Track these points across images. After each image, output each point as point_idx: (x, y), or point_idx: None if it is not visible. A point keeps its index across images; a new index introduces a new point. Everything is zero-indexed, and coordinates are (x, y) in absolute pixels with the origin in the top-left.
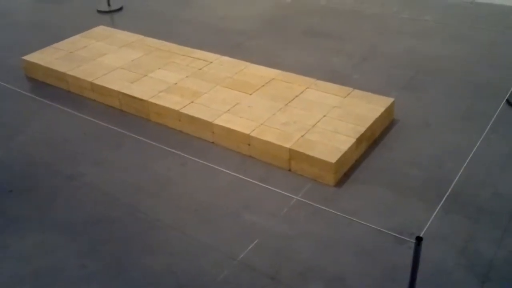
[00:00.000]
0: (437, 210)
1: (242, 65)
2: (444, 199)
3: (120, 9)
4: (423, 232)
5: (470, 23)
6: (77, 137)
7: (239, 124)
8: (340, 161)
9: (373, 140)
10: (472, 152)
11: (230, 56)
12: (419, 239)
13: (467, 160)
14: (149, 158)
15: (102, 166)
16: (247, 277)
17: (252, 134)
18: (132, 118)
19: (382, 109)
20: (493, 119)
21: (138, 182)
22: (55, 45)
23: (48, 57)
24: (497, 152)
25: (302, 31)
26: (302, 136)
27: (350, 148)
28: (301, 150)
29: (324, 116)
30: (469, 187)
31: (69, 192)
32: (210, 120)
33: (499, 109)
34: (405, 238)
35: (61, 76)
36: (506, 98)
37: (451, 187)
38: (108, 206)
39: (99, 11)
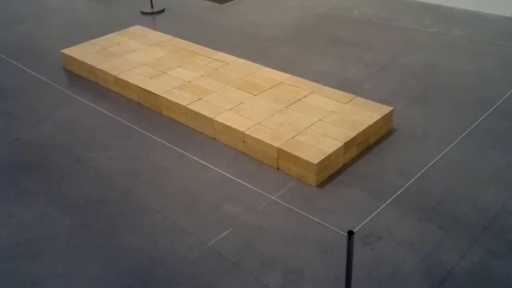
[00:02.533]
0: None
1: (255, 68)
2: (421, 207)
3: (162, 11)
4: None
5: (501, 40)
6: (95, 125)
7: (237, 122)
8: (323, 163)
9: (366, 146)
10: (463, 166)
11: (252, 60)
12: (350, 233)
13: (455, 173)
14: (152, 149)
15: (109, 152)
16: (213, 261)
17: (247, 132)
18: (147, 111)
19: (378, 117)
20: (495, 136)
21: (137, 169)
22: (93, 40)
23: (83, 52)
24: (490, 168)
25: (329, 39)
26: (292, 137)
27: (336, 152)
28: (288, 150)
29: (320, 120)
30: (450, 199)
31: (75, 173)
32: (211, 116)
33: (505, 128)
34: (369, 241)
35: (91, 69)
36: None
37: (436, 197)
38: (106, 188)
39: (142, 13)
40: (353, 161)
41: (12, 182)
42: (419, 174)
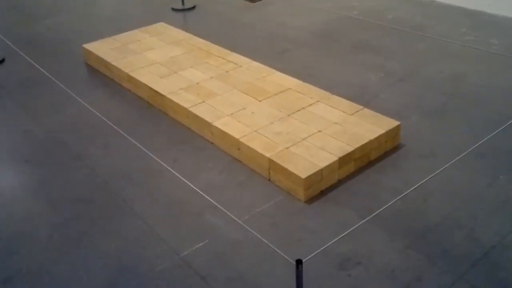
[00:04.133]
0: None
1: (267, 72)
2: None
3: (193, 8)
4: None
5: None
6: (101, 122)
7: (235, 128)
8: (313, 178)
9: (367, 162)
10: (468, 191)
11: (270, 62)
12: (298, 262)
13: (457, 198)
14: (148, 149)
15: (107, 151)
16: (180, 273)
17: (242, 139)
18: (154, 110)
19: (381, 132)
20: (511, 160)
21: (130, 171)
22: (115, 36)
23: (103, 47)
24: (497, 195)
25: (352, 45)
26: (287, 148)
27: (328, 167)
28: (278, 161)
29: (319, 131)
30: (444, 227)
31: (70, 170)
32: (210, 121)
33: None
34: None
35: (107, 65)
36: None
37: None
38: (94, 188)
39: (173, 9)
40: (349, 176)
41: (8, 175)
42: (416, 197)
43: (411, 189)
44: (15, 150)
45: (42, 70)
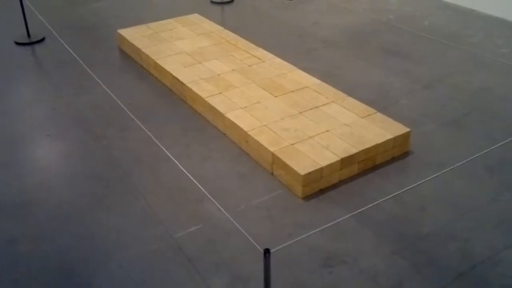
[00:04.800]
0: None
1: (288, 69)
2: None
3: (232, 1)
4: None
5: None
6: (122, 105)
7: (245, 121)
8: (312, 176)
9: (372, 165)
10: (469, 204)
11: (296, 60)
12: (266, 251)
13: (457, 210)
14: (163, 135)
15: (123, 134)
16: (171, 253)
17: (250, 132)
18: (175, 98)
19: (389, 137)
20: None
21: (141, 154)
22: (149, 24)
23: (136, 34)
24: (499, 211)
25: (382, 48)
26: (292, 144)
27: (329, 166)
28: (281, 156)
29: (327, 131)
30: (437, 237)
31: (87, 148)
32: (223, 112)
33: None
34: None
35: (137, 51)
36: None
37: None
38: (107, 167)
39: (212, 2)
40: (352, 178)
41: (30, 147)
42: (415, 204)
43: (411, 196)
44: (41, 125)
45: (78, 52)
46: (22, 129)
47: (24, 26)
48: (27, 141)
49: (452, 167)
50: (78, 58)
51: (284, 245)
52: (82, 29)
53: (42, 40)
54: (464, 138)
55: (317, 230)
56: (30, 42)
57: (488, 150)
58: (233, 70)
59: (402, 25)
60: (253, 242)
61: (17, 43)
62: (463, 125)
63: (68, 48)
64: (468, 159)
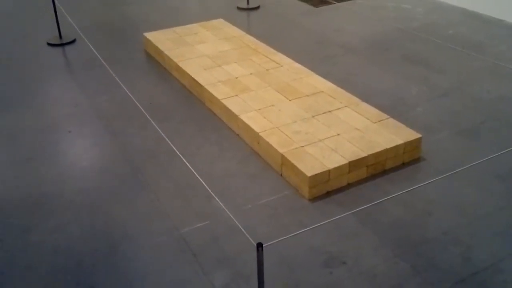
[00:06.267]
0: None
1: (305, 74)
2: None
3: (257, 8)
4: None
5: None
6: (143, 104)
7: (258, 123)
8: (319, 177)
9: (382, 170)
10: (478, 211)
11: (315, 65)
12: (259, 245)
13: (464, 216)
14: (178, 134)
15: (140, 131)
16: (176, 248)
17: (261, 133)
18: (194, 99)
19: (399, 142)
20: None
21: (156, 151)
22: (175, 28)
23: (161, 37)
24: (507, 219)
25: (403, 56)
26: (302, 146)
27: (337, 169)
28: (290, 158)
29: (338, 134)
30: (440, 241)
31: (104, 144)
32: (237, 113)
33: None
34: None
35: (161, 53)
36: None
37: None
38: (121, 163)
39: (238, 8)
40: (360, 182)
41: (50, 141)
42: (422, 209)
43: (418, 201)
44: (63, 120)
45: (106, 53)
46: (45, 125)
47: (57, 28)
48: (49, 136)
49: (454, 171)
50: (105, 59)
51: (277, 240)
52: (112, 32)
53: (73, 41)
54: (478, 146)
55: (312, 227)
56: (62, 44)
57: (500, 158)
58: (251, 73)
59: (425, 34)
60: (250, 238)
61: (49, 44)
62: (477, 133)
63: (97, 49)
64: (479, 167)
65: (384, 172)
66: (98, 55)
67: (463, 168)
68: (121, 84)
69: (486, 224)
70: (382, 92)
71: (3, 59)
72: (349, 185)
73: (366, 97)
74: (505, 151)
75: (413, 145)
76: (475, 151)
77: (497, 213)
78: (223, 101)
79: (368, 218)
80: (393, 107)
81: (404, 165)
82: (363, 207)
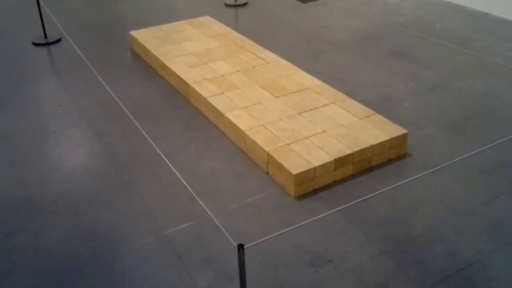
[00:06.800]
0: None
1: (291, 70)
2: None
3: (245, 4)
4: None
5: None
6: (128, 104)
7: (244, 121)
8: (305, 175)
9: (368, 167)
10: (463, 207)
11: (302, 62)
12: (240, 246)
13: (449, 212)
14: (164, 134)
15: (125, 131)
16: (160, 249)
17: (247, 132)
18: (179, 98)
19: (385, 138)
20: None
21: (140, 152)
22: (161, 26)
23: (147, 35)
24: (491, 214)
25: (390, 52)
26: (287, 144)
27: (322, 166)
28: (275, 156)
29: (324, 131)
30: (426, 238)
31: (89, 145)
32: (223, 112)
33: None
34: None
35: (147, 52)
36: None
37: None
38: (106, 164)
39: (226, 5)
40: (346, 179)
41: (34, 144)
42: (407, 206)
43: (404, 197)
44: (47, 122)
45: (91, 52)
46: (29, 126)
47: (41, 28)
48: (33, 137)
49: (440, 166)
50: (90, 58)
51: (259, 241)
52: (98, 30)
53: (58, 41)
54: (463, 141)
55: (297, 225)
56: (47, 43)
57: (485, 153)
58: (237, 71)
59: (413, 29)
60: (230, 239)
61: (34, 44)
62: (464, 128)
63: (82, 48)
64: (465, 162)
65: (371, 169)
66: (83, 54)
67: (449, 163)
68: (107, 83)
69: (472, 219)
70: (370, 88)
71: None
72: (335, 183)
73: (353, 93)
74: (490, 145)
75: (399, 141)
76: (461, 146)
77: (483, 208)
78: (209, 99)
79: (354, 216)
80: (380, 103)
81: (390, 161)
82: (349, 205)
